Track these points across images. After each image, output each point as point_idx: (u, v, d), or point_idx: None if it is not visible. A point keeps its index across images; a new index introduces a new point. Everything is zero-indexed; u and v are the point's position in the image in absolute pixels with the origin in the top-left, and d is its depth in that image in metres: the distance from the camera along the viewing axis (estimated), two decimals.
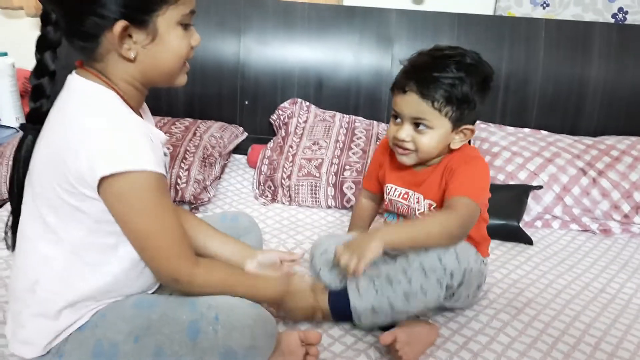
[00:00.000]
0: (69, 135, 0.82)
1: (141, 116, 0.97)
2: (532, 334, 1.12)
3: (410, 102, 1.09)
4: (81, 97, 0.86)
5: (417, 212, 1.17)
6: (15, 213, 0.93)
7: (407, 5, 2.12)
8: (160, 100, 1.98)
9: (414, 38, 1.98)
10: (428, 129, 1.10)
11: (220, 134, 1.87)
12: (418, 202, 1.17)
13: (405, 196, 1.19)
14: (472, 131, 1.13)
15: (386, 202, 1.26)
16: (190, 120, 1.92)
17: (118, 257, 0.89)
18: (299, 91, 2.02)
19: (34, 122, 0.90)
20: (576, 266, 1.45)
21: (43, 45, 0.88)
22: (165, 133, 1.73)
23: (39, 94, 0.90)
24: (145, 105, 1.02)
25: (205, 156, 1.73)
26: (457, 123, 1.10)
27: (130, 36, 0.84)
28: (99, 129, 0.82)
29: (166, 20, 0.86)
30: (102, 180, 0.80)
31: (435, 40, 1.97)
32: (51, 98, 0.90)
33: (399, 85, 1.11)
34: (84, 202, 0.83)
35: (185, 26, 0.89)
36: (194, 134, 1.80)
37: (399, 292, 1.03)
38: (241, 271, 1.08)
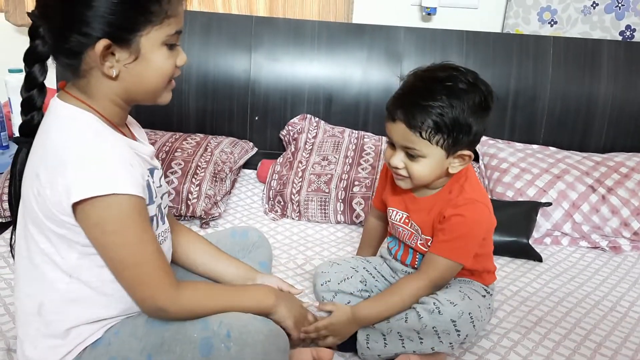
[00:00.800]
0: (47, 163, 0.83)
1: (128, 131, 0.97)
2: (543, 353, 1.12)
3: (399, 131, 1.04)
4: (61, 123, 0.86)
5: (418, 243, 1.16)
6: (16, 228, 0.93)
7: (415, 23, 2.14)
8: (172, 116, 2.01)
9: (423, 54, 2.00)
10: (420, 157, 1.05)
11: (230, 149, 1.89)
12: (418, 232, 1.15)
13: (407, 221, 1.17)
14: (470, 156, 1.07)
15: (390, 226, 1.25)
16: (202, 135, 1.94)
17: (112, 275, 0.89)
18: (308, 107, 2.04)
19: (26, 134, 0.91)
20: (586, 284, 1.44)
21: (31, 58, 0.88)
22: (176, 148, 1.76)
23: (30, 106, 0.91)
24: (131, 119, 1.03)
25: (216, 171, 1.75)
26: (451, 149, 1.05)
27: (113, 54, 0.84)
28: (74, 157, 0.81)
29: (150, 40, 0.85)
30: (76, 206, 0.80)
31: (444, 57, 1.99)
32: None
33: (389, 112, 1.06)
34: (65, 228, 0.84)
35: (171, 46, 0.89)
36: (205, 149, 1.82)
37: (408, 349, 1.04)
38: (226, 285, 1.08)
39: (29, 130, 0.90)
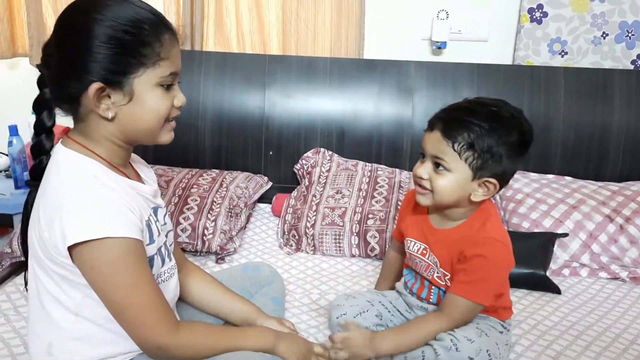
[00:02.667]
0: (46, 207, 0.86)
1: (132, 170, 1.00)
2: None
3: (433, 140, 1.07)
4: (59, 167, 0.89)
5: (434, 276, 1.16)
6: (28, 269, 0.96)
7: (426, 57, 2.18)
8: (188, 152, 2.06)
9: (434, 88, 2.02)
10: (446, 170, 1.06)
11: (245, 184, 1.92)
12: (435, 265, 1.16)
13: (424, 252, 1.18)
14: (495, 186, 1.07)
15: (407, 257, 1.25)
16: (217, 171, 1.97)
17: None
18: (321, 141, 2.07)
19: (36, 178, 0.94)
20: (606, 316, 1.41)
21: (40, 105, 0.93)
22: (192, 185, 1.79)
23: (39, 150, 0.95)
24: (137, 158, 1.06)
25: (232, 207, 1.77)
26: (478, 172, 1.06)
27: (108, 96, 0.87)
28: (69, 201, 0.84)
29: (143, 81, 0.88)
30: (72, 250, 0.82)
31: (455, 89, 2.02)
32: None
33: (429, 123, 1.10)
34: (66, 269, 0.86)
35: (168, 87, 0.91)
36: (221, 185, 1.85)
37: None
38: (225, 326, 1.10)
39: (38, 173, 0.94)
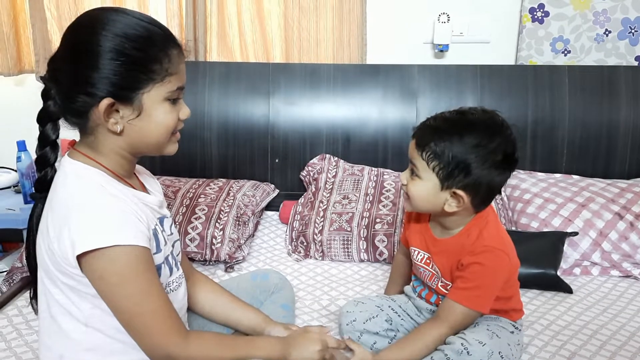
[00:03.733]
0: (54, 218, 0.86)
1: (137, 181, 1.01)
2: None
3: (411, 147, 1.10)
4: (66, 179, 0.90)
5: (439, 285, 1.16)
6: (34, 282, 0.97)
7: (428, 60, 2.18)
8: (195, 162, 2.07)
9: (438, 91, 2.02)
10: (417, 177, 1.08)
11: (252, 192, 1.92)
12: (437, 274, 1.16)
13: (428, 262, 1.18)
14: (463, 199, 1.05)
15: (413, 266, 1.25)
16: (224, 180, 1.98)
17: None
18: (327, 147, 2.07)
19: (41, 190, 0.95)
20: (620, 314, 1.40)
21: (44, 118, 0.94)
22: (200, 194, 1.80)
23: (43, 163, 0.95)
24: (142, 169, 1.06)
25: (239, 215, 1.77)
26: (445, 182, 1.05)
27: (117, 111, 0.88)
28: (77, 211, 0.85)
29: (152, 97, 0.89)
30: (81, 259, 0.83)
31: (459, 91, 2.01)
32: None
33: (413, 130, 1.13)
34: (75, 280, 0.86)
35: (174, 100, 0.93)
36: (228, 193, 1.85)
37: None
38: (234, 336, 1.10)
39: (43, 185, 0.95)
